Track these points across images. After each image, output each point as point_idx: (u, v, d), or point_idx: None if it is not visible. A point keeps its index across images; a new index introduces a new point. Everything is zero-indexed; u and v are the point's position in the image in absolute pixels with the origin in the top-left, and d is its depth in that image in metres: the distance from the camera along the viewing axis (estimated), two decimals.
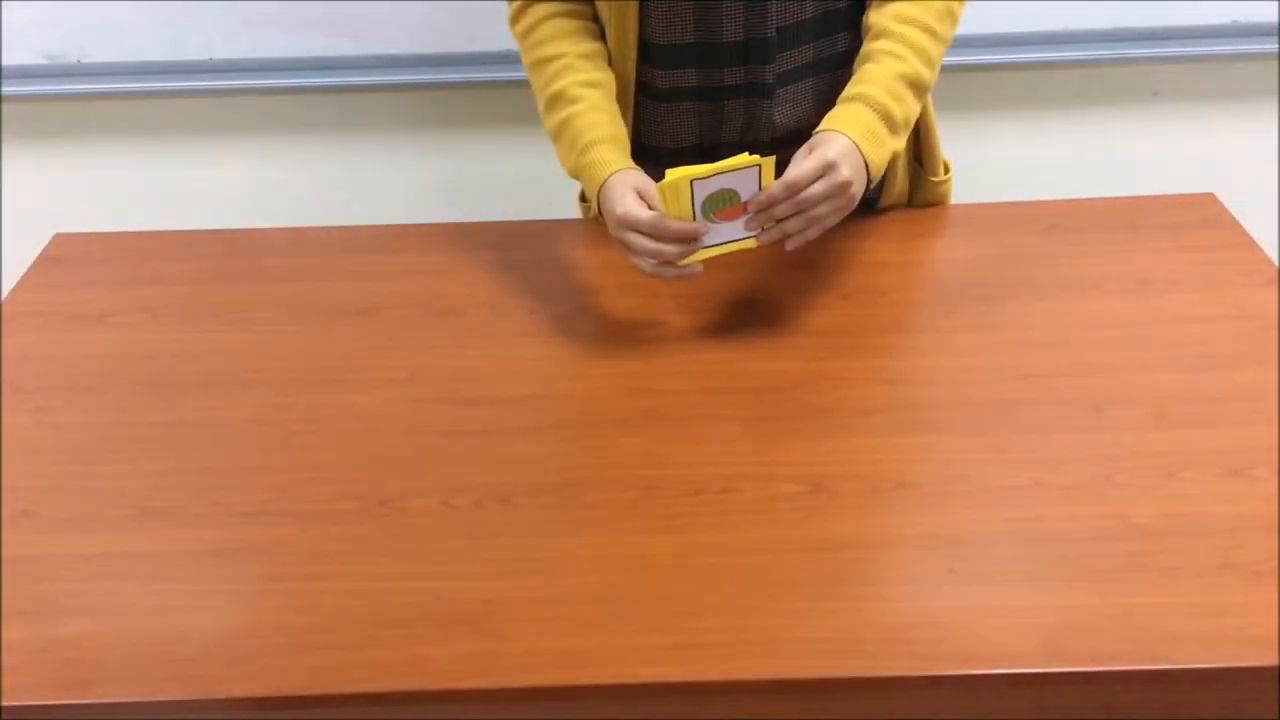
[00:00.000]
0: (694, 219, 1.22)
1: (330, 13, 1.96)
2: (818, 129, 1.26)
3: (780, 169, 1.22)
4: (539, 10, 1.39)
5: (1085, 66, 2.04)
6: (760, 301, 1.36)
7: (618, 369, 1.26)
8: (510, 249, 1.49)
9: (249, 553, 1.05)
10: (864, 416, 1.18)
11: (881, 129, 1.26)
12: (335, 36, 1.98)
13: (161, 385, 1.27)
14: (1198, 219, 1.49)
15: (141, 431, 1.21)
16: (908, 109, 1.30)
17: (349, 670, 0.93)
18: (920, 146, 1.50)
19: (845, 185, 1.21)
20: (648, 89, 1.42)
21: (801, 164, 1.21)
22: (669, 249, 1.23)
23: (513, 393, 1.24)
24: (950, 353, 1.27)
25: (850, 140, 1.23)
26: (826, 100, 1.32)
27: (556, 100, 1.35)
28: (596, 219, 1.34)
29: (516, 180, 2.09)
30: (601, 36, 1.41)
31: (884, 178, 1.49)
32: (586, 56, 1.37)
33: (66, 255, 1.53)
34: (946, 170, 1.55)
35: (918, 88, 1.31)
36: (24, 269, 1.50)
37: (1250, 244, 1.43)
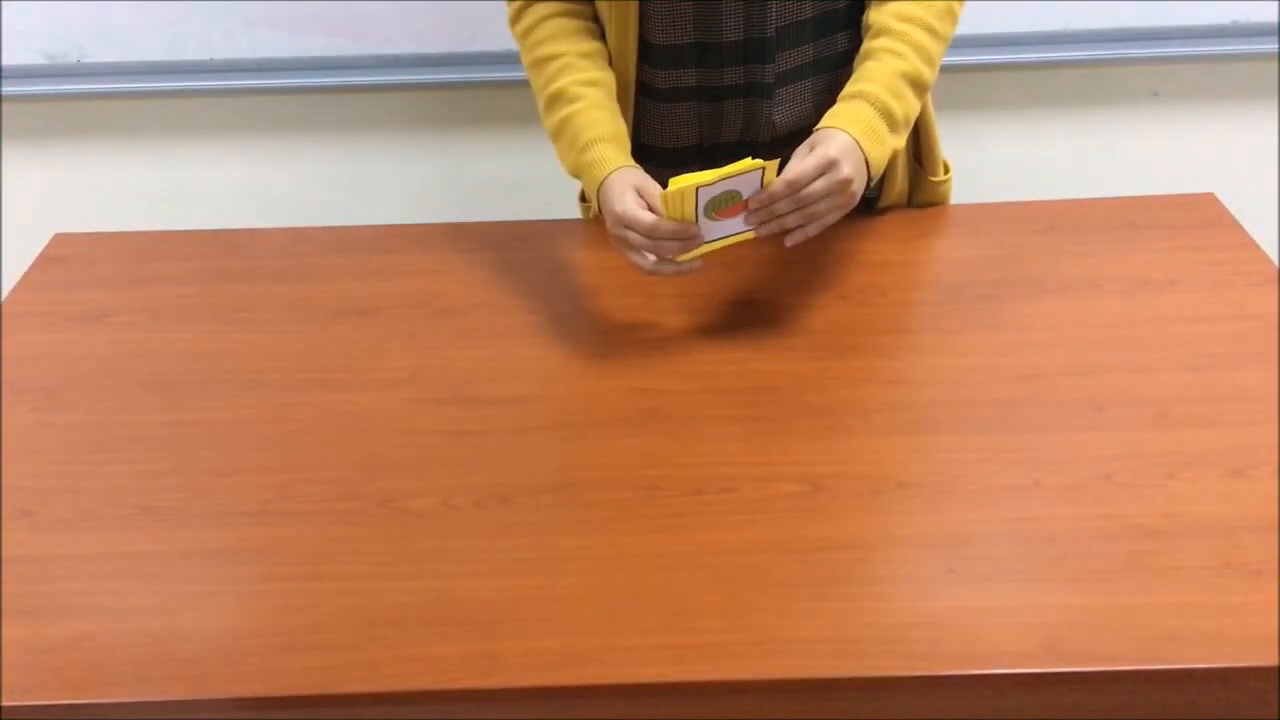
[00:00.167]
0: (696, 218, 1.22)
1: (330, 13, 1.96)
2: (818, 126, 1.26)
3: (780, 169, 1.22)
4: (539, 10, 1.39)
5: (1085, 66, 2.04)
6: (760, 301, 1.36)
7: (618, 369, 1.26)
8: (510, 249, 1.49)
9: (249, 553, 1.05)
10: (864, 416, 1.18)
11: (882, 127, 1.26)
12: (335, 36, 1.98)
13: (161, 385, 1.27)
14: (1198, 219, 1.49)
15: (141, 431, 1.21)
16: (908, 107, 1.30)
17: (349, 670, 0.93)
18: (920, 146, 1.50)
19: (846, 182, 1.21)
20: (647, 89, 1.42)
21: (802, 161, 1.21)
22: (667, 244, 1.23)
23: (513, 393, 1.24)
24: (950, 353, 1.27)
25: (851, 137, 1.23)
26: (826, 100, 1.32)
27: (557, 99, 1.35)
28: (596, 219, 1.34)
29: (516, 180, 2.09)
30: (601, 36, 1.41)
31: (884, 177, 1.49)
32: (586, 56, 1.37)
33: (66, 255, 1.53)
34: (946, 170, 1.55)
35: (918, 86, 1.31)
36: (24, 269, 1.50)
37: (1250, 244, 1.43)
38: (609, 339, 1.32)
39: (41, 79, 2.01)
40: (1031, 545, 1.02)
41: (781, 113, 1.42)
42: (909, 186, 1.54)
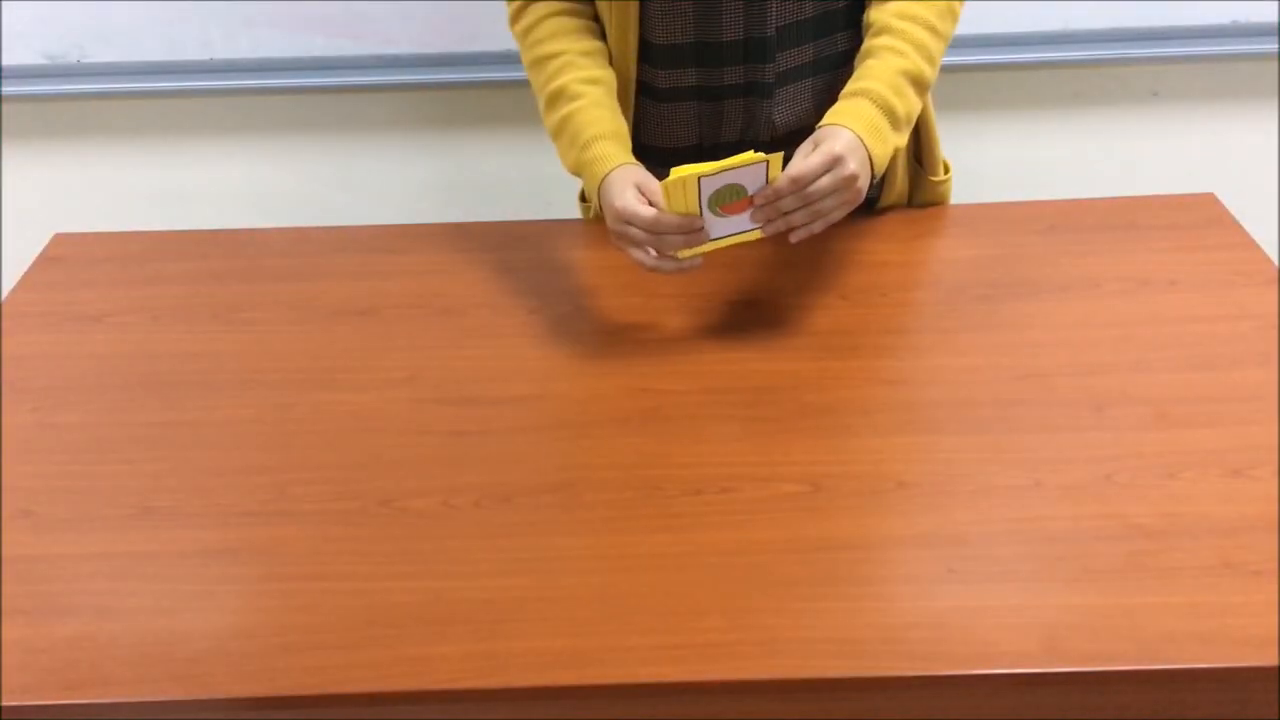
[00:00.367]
0: (700, 212, 1.21)
1: (330, 13, 1.96)
2: (821, 123, 1.26)
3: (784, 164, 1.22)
4: (539, 9, 1.39)
5: (1085, 66, 2.04)
6: (760, 301, 1.36)
7: (618, 369, 1.26)
8: (510, 249, 1.49)
9: (249, 553, 1.05)
10: (864, 416, 1.18)
11: (884, 124, 1.26)
12: (335, 36, 1.98)
13: (161, 385, 1.27)
14: (1198, 219, 1.49)
15: (141, 431, 1.21)
16: (910, 105, 1.30)
17: (349, 670, 0.93)
18: (920, 146, 1.50)
19: (852, 179, 1.20)
20: (647, 89, 1.42)
21: (808, 158, 1.20)
22: (669, 239, 1.22)
23: (513, 393, 1.24)
24: (950, 353, 1.27)
25: (855, 134, 1.23)
26: (826, 100, 1.32)
27: (557, 97, 1.35)
28: (597, 218, 1.34)
29: (516, 180, 2.09)
30: (602, 35, 1.41)
31: (884, 177, 1.49)
32: (587, 54, 1.37)
33: (66, 255, 1.53)
34: (946, 170, 1.55)
35: (919, 84, 1.31)
36: (24, 269, 1.50)
37: (1250, 244, 1.43)
38: (609, 339, 1.32)
39: (41, 79, 2.01)
40: (1031, 545, 1.02)
41: (781, 112, 1.42)
42: (909, 186, 1.54)
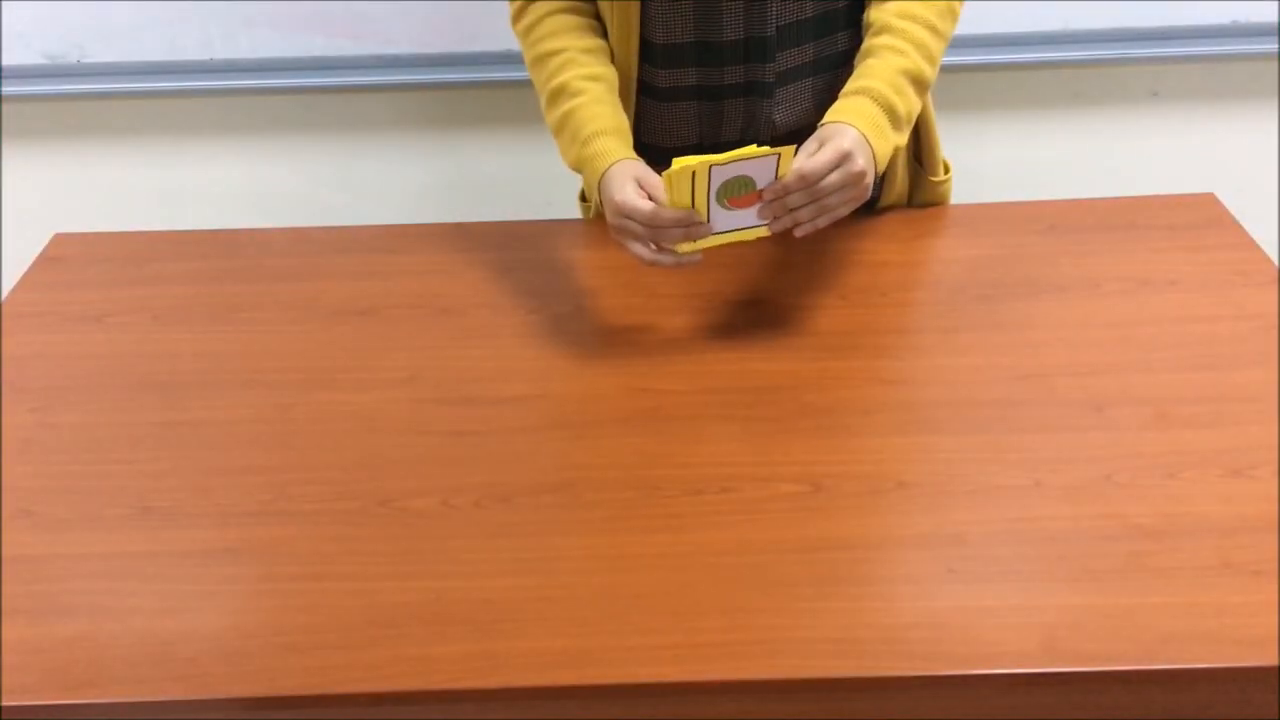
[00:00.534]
0: (707, 206, 1.21)
1: (330, 13, 1.96)
2: (824, 121, 1.26)
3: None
4: (540, 8, 1.39)
5: (1085, 66, 2.04)
6: (760, 301, 1.36)
7: (618, 369, 1.26)
8: (510, 249, 1.49)
9: (249, 553, 1.05)
10: (864, 416, 1.18)
11: (885, 123, 1.26)
12: (335, 36, 1.98)
13: (161, 385, 1.27)
14: (1198, 219, 1.49)
15: (141, 431, 1.21)
16: (910, 104, 1.30)
17: (349, 670, 0.93)
18: (920, 146, 1.50)
19: (861, 175, 1.21)
20: (647, 88, 1.42)
21: (817, 154, 1.20)
22: (668, 233, 1.22)
23: (512, 393, 1.24)
24: (950, 353, 1.27)
25: (859, 132, 1.23)
26: (826, 100, 1.32)
27: (558, 94, 1.35)
28: (597, 217, 1.34)
29: (516, 180, 2.09)
30: (603, 33, 1.41)
31: (884, 177, 1.49)
32: (588, 51, 1.37)
33: (66, 255, 1.53)
34: (946, 170, 1.55)
35: (920, 84, 1.31)
36: (24, 269, 1.50)
37: (1250, 244, 1.43)
38: (609, 339, 1.32)
39: (41, 79, 2.01)
40: (1031, 545, 1.02)
41: (781, 112, 1.42)
42: (909, 186, 1.54)
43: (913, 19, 1.31)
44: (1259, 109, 2.08)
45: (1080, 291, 1.36)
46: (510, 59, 1.95)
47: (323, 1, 1.95)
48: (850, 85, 1.30)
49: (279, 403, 1.24)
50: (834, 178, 1.20)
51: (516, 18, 1.42)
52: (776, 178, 1.20)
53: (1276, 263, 1.39)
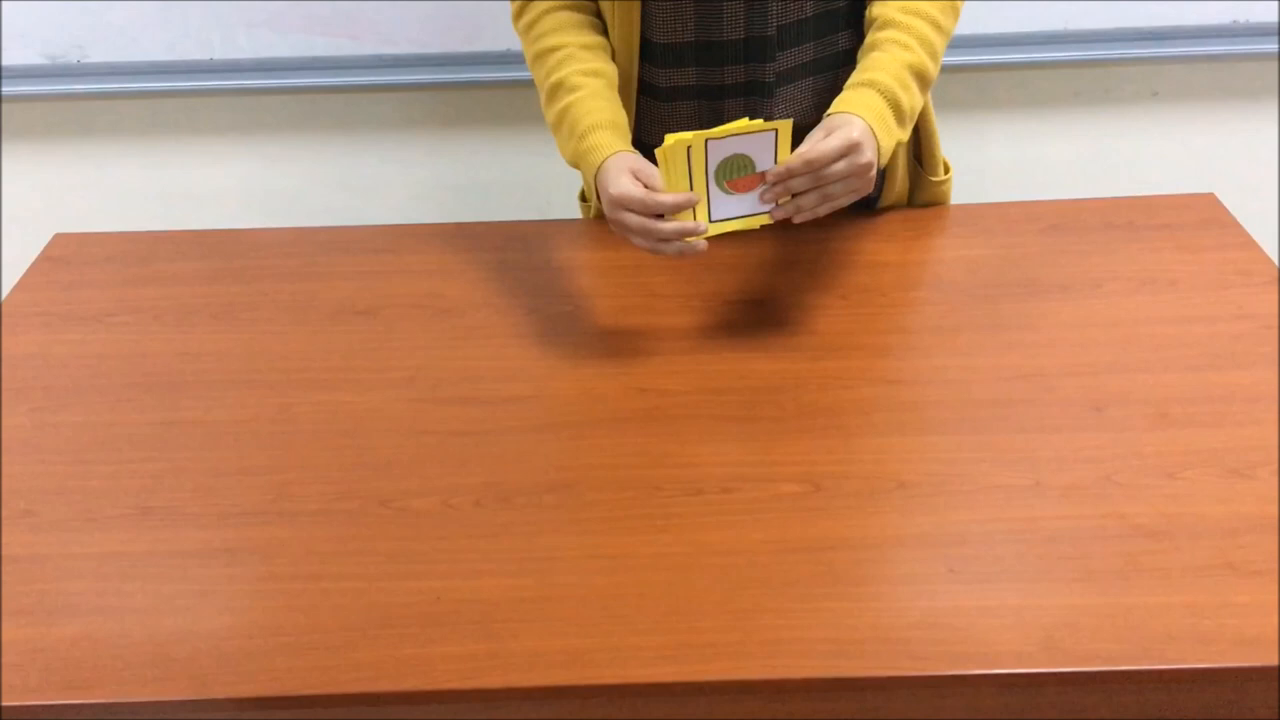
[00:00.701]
0: (705, 184, 1.19)
1: (330, 13, 1.96)
2: (830, 111, 1.25)
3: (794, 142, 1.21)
4: (541, 5, 1.39)
5: (1085, 66, 2.04)
6: (760, 301, 1.36)
7: (617, 369, 1.26)
8: (510, 249, 1.49)
9: (249, 553, 1.05)
10: (864, 416, 1.18)
11: (890, 117, 1.26)
12: (335, 36, 1.98)
13: (162, 385, 1.27)
14: (1198, 219, 1.49)
15: (141, 431, 1.21)
16: (914, 100, 1.29)
17: (349, 670, 0.93)
18: (920, 146, 1.50)
19: (868, 167, 1.20)
20: (648, 87, 1.42)
21: (825, 142, 1.19)
22: (666, 227, 1.20)
23: (512, 393, 1.24)
24: (950, 353, 1.27)
25: (867, 123, 1.22)
26: (826, 99, 1.31)
27: (557, 89, 1.35)
28: (597, 217, 1.33)
29: (516, 180, 2.09)
30: (604, 31, 1.40)
31: (884, 177, 1.49)
32: (588, 48, 1.37)
33: (66, 255, 1.53)
34: (946, 170, 1.55)
35: (923, 80, 1.30)
36: (24, 269, 1.51)
37: (1250, 244, 1.43)
38: (609, 339, 1.32)
39: (41, 79, 2.01)
40: (1031, 545, 1.02)
41: (782, 111, 1.42)
42: (909, 186, 1.54)
43: (917, 14, 1.31)
44: (1259, 109, 2.08)
45: (1080, 291, 1.36)
46: (510, 59, 1.95)
47: (323, 1, 1.95)
48: (856, 77, 1.29)
49: (279, 403, 1.24)
50: (840, 166, 1.19)
51: (518, 15, 1.42)
52: (775, 157, 1.20)
53: (1276, 263, 1.39)
